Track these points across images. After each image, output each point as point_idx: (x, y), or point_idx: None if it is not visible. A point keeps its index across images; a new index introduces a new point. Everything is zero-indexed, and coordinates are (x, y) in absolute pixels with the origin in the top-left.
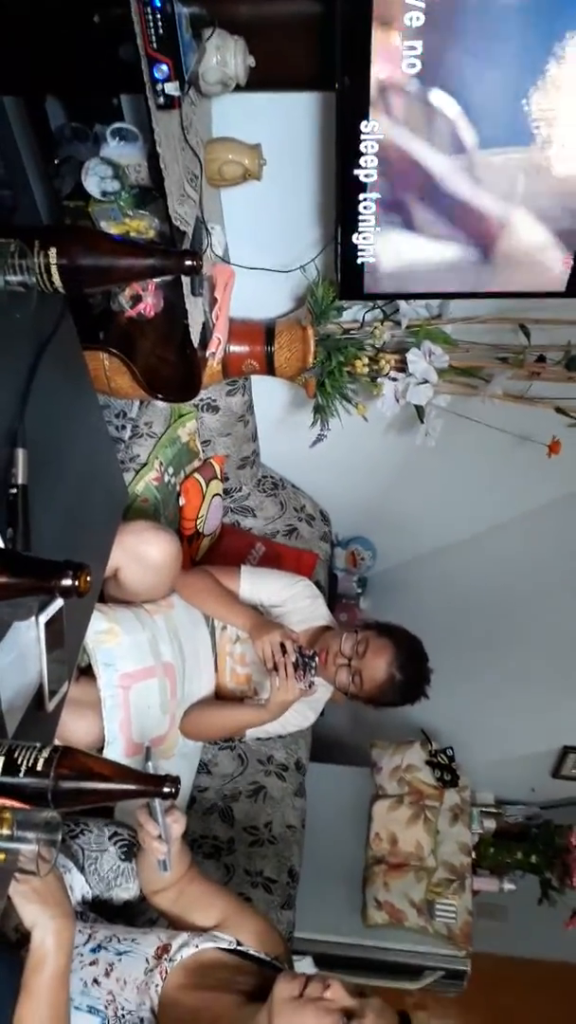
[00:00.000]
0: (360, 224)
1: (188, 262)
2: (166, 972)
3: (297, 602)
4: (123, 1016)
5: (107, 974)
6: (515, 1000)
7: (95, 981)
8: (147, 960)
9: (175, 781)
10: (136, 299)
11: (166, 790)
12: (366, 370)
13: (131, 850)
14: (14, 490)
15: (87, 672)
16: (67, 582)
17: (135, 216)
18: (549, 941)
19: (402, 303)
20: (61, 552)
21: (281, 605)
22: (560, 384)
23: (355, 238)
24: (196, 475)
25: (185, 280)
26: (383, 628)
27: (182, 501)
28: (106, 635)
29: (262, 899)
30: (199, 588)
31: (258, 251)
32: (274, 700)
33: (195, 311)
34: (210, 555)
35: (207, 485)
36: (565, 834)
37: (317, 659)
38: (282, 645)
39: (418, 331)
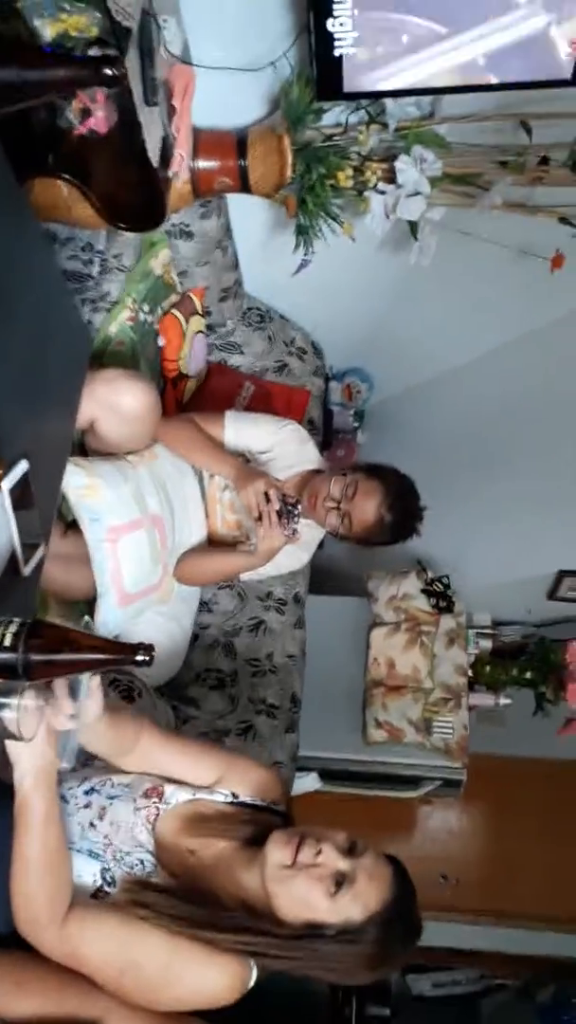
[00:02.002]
0: (335, 6)
1: (107, 71)
2: (159, 813)
3: (284, 447)
4: (121, 858)
5: (100, 817)
6: (514, 793)
7: (91, 824)
8: (135, 801)
9: (148, 649)
10: (85, 113)
11: (139, 658)
12: (351, 182)
13: (131, 693)
14: None
15: (74, 526)
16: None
17: (73, 11)
18: (546, 741)
19: (389, 102)
20: (23, 411)
21: (268, 451)
22: (564, 189)
23: (330, 24)
24: (174, 311)
25: (136, 88)
26: (372, 469)
27: (161, 341)
28: (87, 490)
29: (266, 725)
30: (181, 437)
31: (222, 47)
32: (261, 547)
33: (151, 124)
34: (197, 397)
35: (187, 321)
36: (560, 650)
37: (300, 507)
38: (266, 494)
39: (408, 134)
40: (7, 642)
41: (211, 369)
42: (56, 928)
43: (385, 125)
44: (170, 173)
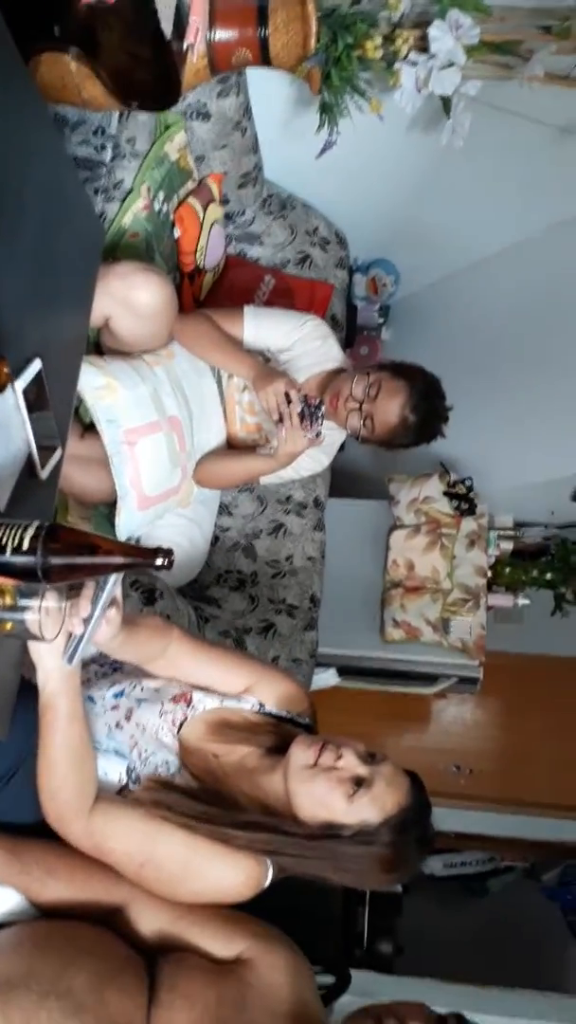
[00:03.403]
0: None
1: None
2: (186, 718)
3: (306, 344)
4: (146, 759)
5: (127, 719)
6: (528, 689)
7: (117, 725)
8: (162, 705)
9: (168, 553)
10: None
11: (159, 562)
12: (379, 53)
13: (152, 595)
14: None
15: (91, 429)
16: None
17: None
18: (563, 639)
19: None
20: (35, 309)
21: (289, 349)
22: None
23: None
24: (191, 199)
25: None
26: (397, 368)
27: (177, 232)
28: (104, 391)
29: (286, 624)
30: (198, 335)
31: None
32: (281, 451)
33: None
34: (215, 292)
35: (204, 211)
36: None
37: (323, 408)
38: (287, 395)
39: None
40: (26, 545)
41: (229, 262)
42: (82, 822)
43: None
44: (185, 44)
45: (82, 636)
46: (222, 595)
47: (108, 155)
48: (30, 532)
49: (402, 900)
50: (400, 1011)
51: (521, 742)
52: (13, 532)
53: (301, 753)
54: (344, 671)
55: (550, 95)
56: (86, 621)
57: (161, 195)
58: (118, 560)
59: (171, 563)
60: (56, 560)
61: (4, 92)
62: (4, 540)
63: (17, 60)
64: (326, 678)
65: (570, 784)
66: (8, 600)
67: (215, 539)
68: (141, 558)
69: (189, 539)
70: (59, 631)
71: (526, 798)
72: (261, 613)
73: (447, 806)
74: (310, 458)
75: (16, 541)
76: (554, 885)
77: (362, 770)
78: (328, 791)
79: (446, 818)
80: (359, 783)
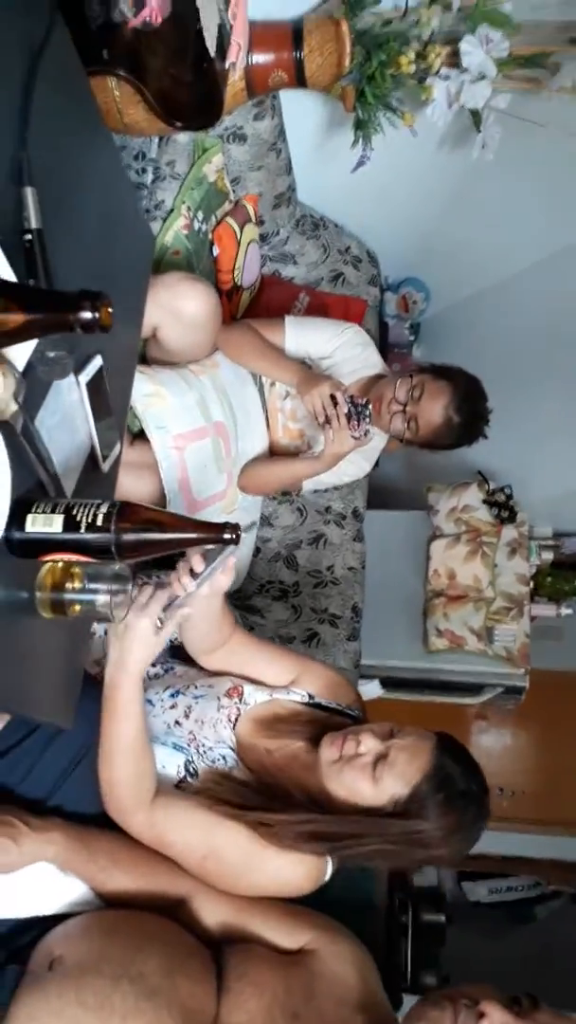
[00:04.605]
0: None
1: None
2: (239, 712)
3: (347, 351)
4: (205, 752)
5: (186, 716)
6: (570, 707)
7: (176, 723)
8: (219, 699)
9: (235, 527)
10: (139, 4)
11: (227, 536)
12: (412, 68)
13: None
14: (29, 236)
15: (140, 436)
16: (86, 315)
17: None
18: None
19: None
20: None
21: (330, 356)
22: None
23: None
24: (228, 219)
25: None
26: (439, 370)
27: (216, 250)
28: (153, 398)
29: (328, 633)
30: (241, 343)
31: None
32: (328, 452)
33: (208, 10)
34: (251, 311)
35: (241, 230)
36: None
37: (371, 407)
38: (332, 397)
39: (473, 13)
40: (99, 521)
41: (264, 282)
42: (142, 814)
43: (448, 5)
44: (227, 64)
45: (189, 592)
46: (264, 605)
47: (149, 177)
48: (103, 509)
49: (446, 929)
50: (472, 992)
51: (564, 762)
52: (87, 510)
53: (327, 750)
54: (387, 682)
55: None
56: (193, 576)
57: (200, 215)
58: (189, 535)
59: (239, 537)
60: (129, 536)
61: (77, 115)
62: (79, 517)
63: (86, 85)
64: (370, 690)
65: None
66: (77, 583)
67: (256, 550)
68: (210, 533)
69: None
70: (126, 613)
71: (571, 818)
72: (304, 622)
73: (490, 829)
74: (352, 463)
75: (91, 518)
76: None
77: (381, 748)
78: (354, 779)
79: (490, 842)
80: (379, 761)
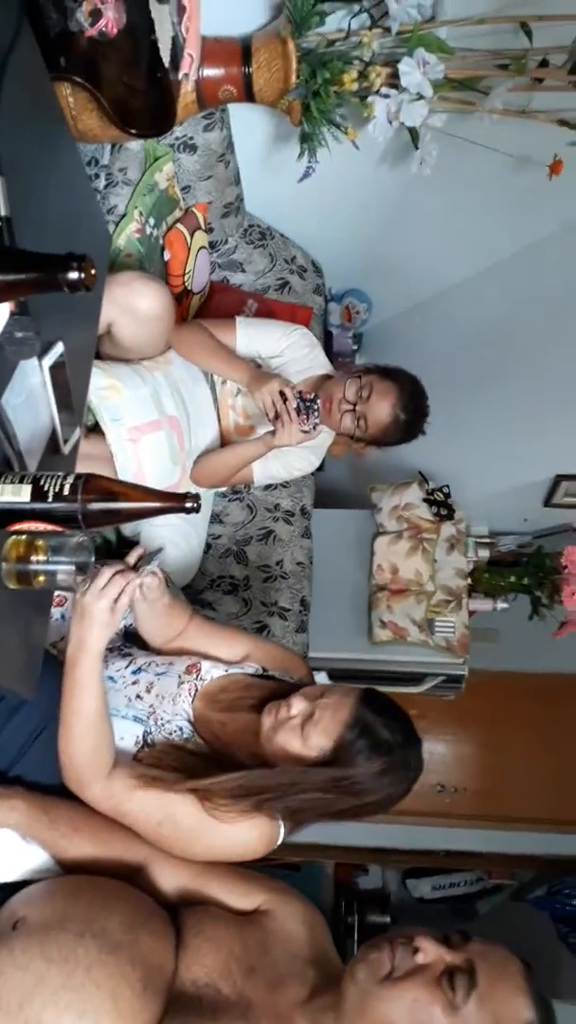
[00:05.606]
0: None
1: None
2: (196, 688)
3: (296, 351)
4: (163, 725)
5: (148, 691)
6: (507, 706)
7: (138, 696)
8: (179, 676)
9: (196, 497)
10: (96, 15)
11: (188, 505)
12: (355, 86)
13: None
14: None
15: (95, 430)
16: (73, 275)
17: None
18: (538, 655)
19: (391, 3)
20: (56, 304)
21: (280, 355)
22: (563, 94)
23: None
24: (179, 226)
25: None
26: (385, 371)
27: (167, 255)
28: (109, 391)
29: (278, 626)
30: (193, 342)
31: None
32: (276, 444)
33: (162, 22)
34: (200, 315)
35: (191, 236)
36: (555, 557)
37: (319, 403)
38: (281, 393)
39: (410, 37)
40: (66, 491)
41: (213, 288)
42: (99, 785)
43: (387, 29)
44: (181, 76)
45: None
46: (216, 598)
47: (102, 183)
48: (70, 480)
49: (389, 928)
50: (407, 933)
51: (502, 759)
52: (55, 481)
53: (266, 717)
54: (334, 675)
55: (508, 128)
56: (136, 568)
57: (152, 220)
58: (152, 504)
59: (199, 506)
60: (94, 506)
61: (43, 115)
62: (47, 487)
63: (50, 90)
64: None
65: (554, 798)
66: (41, 556)
67: (207, 546)
68: (172, 502)
69: (186, 539)
70: (88, 585)
71: (512, 814)
72: (255, 615)
73: (433, 825)
74: (301, 458)
75: (58, 488)
76: (543, 896)
77: (307, 708)
78: (286, 739)
79: (433, 837)
80: (306, 719)
